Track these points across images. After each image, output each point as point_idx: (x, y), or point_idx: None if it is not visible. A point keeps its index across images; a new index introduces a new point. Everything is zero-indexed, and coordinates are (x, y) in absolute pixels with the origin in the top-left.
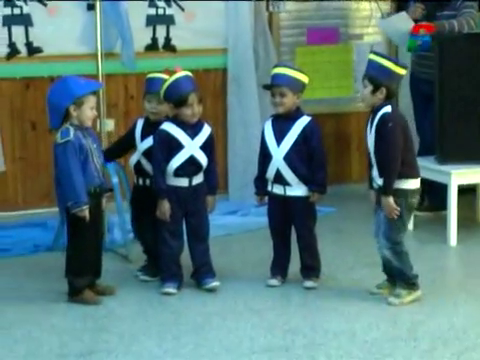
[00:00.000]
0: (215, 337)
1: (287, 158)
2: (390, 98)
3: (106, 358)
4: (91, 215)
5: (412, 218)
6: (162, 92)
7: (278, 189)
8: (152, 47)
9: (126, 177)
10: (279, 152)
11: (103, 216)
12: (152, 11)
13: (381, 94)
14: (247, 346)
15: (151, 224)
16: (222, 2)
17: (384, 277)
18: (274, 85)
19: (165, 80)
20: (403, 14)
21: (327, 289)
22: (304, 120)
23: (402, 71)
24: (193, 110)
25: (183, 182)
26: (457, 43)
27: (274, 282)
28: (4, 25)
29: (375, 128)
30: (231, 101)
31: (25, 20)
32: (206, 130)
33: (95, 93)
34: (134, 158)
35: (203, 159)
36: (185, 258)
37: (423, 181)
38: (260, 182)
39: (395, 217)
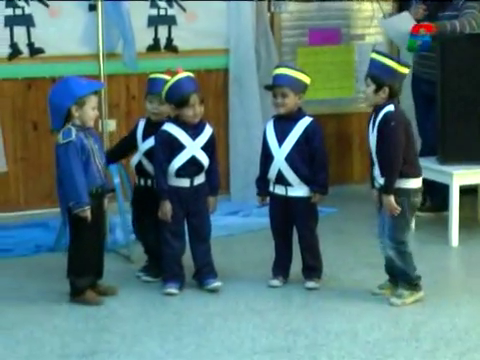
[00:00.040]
0: (217, 338)
1: (289, 159)
2: (393, 97)
3: (108, 359)
4: (93, 215)
5: (413, 219)
6: (164, 93)
7: (280, 190)
8: (154, 48)
9: (128, 177)
10: (281, 153)
11: (105, 216)
12: (154, 12)
13: (384, 93)
14: (249, 347)
15: (152, 224)
16: (224, 2)
17: (386, 277)
18: (276, 86)
19: (167, 81)
20: (405, 14)
21: (329, 290)
22: (306, 121)
23: (405, 70)
24: (195, 111)
25: (184, 182)
26: (459, 43)
27: (276, 283)
28: (6, 26)
29: (377, 127)
30: (233, 101)
31: (27, 21)
32: (208, 131)
33: (96, 93)
34: (135, 158)
35: (204, 160)
36: (187, 259)
37: (425, 182)
38: (262, 182)
39: (395, 215)
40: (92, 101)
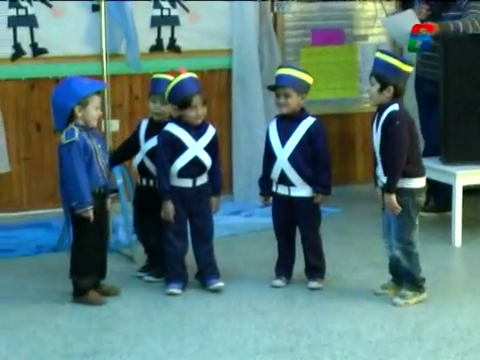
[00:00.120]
0: (219, 338)
1: (292, 159)
2: (397, 96)
3: (110, 359)
4: (96, 216)
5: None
6: (167, 93)
7: (283, 190)
8: (157, 48)
9: (131, 178)
10: (284, 153)
11: (108, 217)
12: (157, 12)
13: (388, 92)
14: (251, 347)
15: (154, 224)
16: (227, 3)
17: (389, 277)
18: (279, 86)
19: (170, 81)
20: (409, 12)
21: (332, 290)
22: (309, 121)
23: (409, 69)
24: (197, 112)
25: (187, 183)
26: (462, 44)
27: (279, 283)
28: (9, 26)
29: (382, 126)
30: (236, 102)
31: (30, 21)
32: (210, 131)
33: (99, 93)
34: (138, 158)
35: (207, 160)
36: (190, 258)
37: (428, 182)
38: (265, 183)
39: (396, 214)
40: (95, 101)
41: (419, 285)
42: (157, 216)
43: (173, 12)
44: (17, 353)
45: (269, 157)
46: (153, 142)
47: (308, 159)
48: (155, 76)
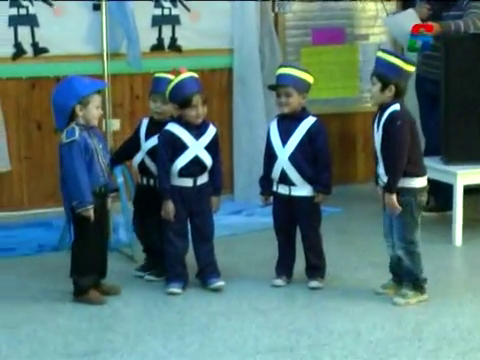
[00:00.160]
0: (220, 337)
1: (292, 158)
2: (399, 96)
3: (111, 358)
4: (96, 215)
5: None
6: (167, 92)
7: (283, 189)
8: (158, 47)
9: (131, 177)
10: (284, 152)
11: (108, 216)
12: (158, 11)
13: (390, 92)
14: (252, 346)
15: (154, 223)
16: (228, 2)
17: (389, 277)
18: (279, 85)
19: (171, 80)
20: (410, 11)
21: (332, 289)
22: (310, 120)
23: (411, 68)
24: (197, 111)
25: (187, 182)
26: (463, 43)
27: (279, 282)
28: (10, 25)
29: (383, 126)
30: (236, 101)
31: (31, 20)
32: (211, 131)
33: (100, 92)
34: (138, 157)
35: (208, 159)
36: (190, 258)
37: (428, 181)
38: (265, 182)
39: (397, 213)
40: (96, 100)
41: (421, 286)
42: (157, 215)
43: (174, 11)
44: (17, 352)
45: (270, 156)
46: (153, 141)
47: (309, 158)
48: (157, 75)
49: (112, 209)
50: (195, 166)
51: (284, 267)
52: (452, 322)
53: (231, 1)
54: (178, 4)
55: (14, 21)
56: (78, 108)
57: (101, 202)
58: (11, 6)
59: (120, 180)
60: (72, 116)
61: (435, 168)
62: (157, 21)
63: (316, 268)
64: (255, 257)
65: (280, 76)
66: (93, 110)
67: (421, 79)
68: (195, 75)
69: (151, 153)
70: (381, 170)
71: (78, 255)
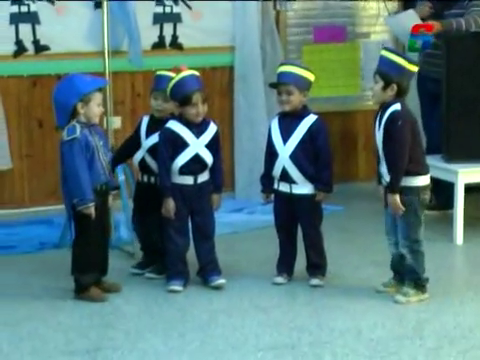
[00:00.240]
0: (221, 334)
1: (293, 156)
2: (400, 95)
3: (112, 355)
4: (97, 213)
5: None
6: (168, 90)
7: (284, 187)
8: (159, 45)
9: (132, 175)
10: (285, 150)
11: (109, 214)
12: (159, 9)
13: (392, 91)
14: (253, 344)
15: (153, 221)
16: (229, 2)
17: (390, 275)
18: (280, 83)
19: (172, 78)
20: (411, 12)
21: (333, 287)
22: (311, 119)
23: (414, 68)
24: (197, 109)
25: (188, 180)
26: (464, 42)
27: (280, 280)
28: (11, 23)
29: (384, 126)
30: (238, 99)
31: (32, 18)
32: (212, 128)
33: (101, 90)
34: (139, 155)
35: (208, 157)
36: (191, 256)
37: (430, 180)
38: (266, 180)
39: (400, 214)
40: (97, 98)
41: (422, 285)
42: (158, 213)
43: (175, 9)
44: (19, 350)
45: (271, 154)
46: (154, 139)
47: (310, 157)
48: (158, 73)
49: (113, 207)
50: (195, 164)
51: (285, 265)
52: (453, 320)
53: (233, 1)
54: (179, 2)
55: (15, 19)
56: (79, 106)
57: (102, 200)
58: (12, 4)
59: (121, 178)
60: (73, 114)
61: (436, 166)
62: (158, 19)
63: (317, 266)
64: (256, 255)
65: (281, 74)
66: (94, 108)
67: (422, 77)
68: (196, 73)
69: (152, 151)
70: (384, 169)
71: (79, 253)
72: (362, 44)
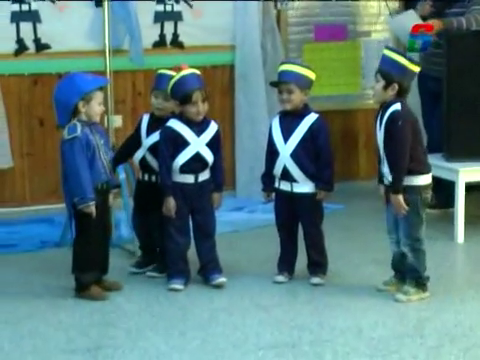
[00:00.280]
0: (222, 333)
1: (294, 155)
2: (401, 95)
3: (113, 353)
4: (98, 211)
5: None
6: (169, 89)
7: (285, 186)
8: (160, 43)
9: (133, 173)
10: (286, 149)
11: (110, 212)
12: (160, 7)
13: (392, 90)
14: (253, 342)
15: (153, 220)
16: (230, 1)
17: (391, 274)
18: (281, 82)
19: (173, 77)
20: (411, 12)
21: (334, 286)
22: (311, 117)
23: (416, 68)
24: (198, 108)
25: (189, 179)
26: (465, 40)
27: (281, 278)
28: (12, 21)
29: (385, 126)
30: (238, 98)
31: (33, 16)
32: (213, 127)
33: (102, 88)
34: (139, 154)
35: (209, 156)
36: (192, 254)
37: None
38: (267, 178)
39: (403, 214)
40: (98, 96)
41: (423, 283)
42: (158, 212)
43: (176, 8)
44: (19, 348)
45: (271, 153)
46: (155, 137)
47: (310, 155)
48: (159, 72)
49: (114, 205)
50: (196, 163)
51: (286, 263)
52: (454, 319)
53: (233, 0)
54: (180, 0)
55: (16, 17)
56: (81, 104)
57: (103, 198)
58: (13, 2)
59: (122, 176)
60: (74, 113)
61: (437, 165)
62: (159, 17)
63: (318, 265)
64: (257, 253)
65: (282, 73)
66: (95, 106)
67: (423, 76)
68: (196, 72)
69: (152, 149)
70: (385, 169)
71: (80, 251)
72: (363, 43)
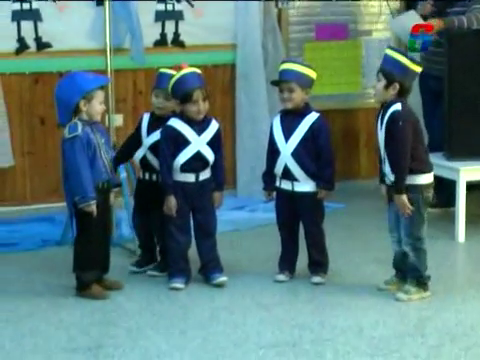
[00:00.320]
0: (222, 332)
1: (295, 154)
2: (402, 95)
3: (113, 352)
4: (99, 210)
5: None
6: (169, 88)
7: (286, 185)
8: (161, 42)
9: (134, 172)
10: (287, 148)
11: (111, 211)
12: (161, 6)
13: (394, 90)
14: (254, 341)
15: (154, 219)
16: (232, 2)
17: (392, 273)
18: (282, 81)
19: (173, 76)
20: (412, 12)
21: (335, 285)
22: (312, 116)
23: (417, 68)
24: (198, 107)
25: (190, 178)
26: (466, 39)
27: (282, 277)
28: (13, 20)
29: (385, 125)
30: (239, 97)
31: (34, 15)
32: (214, 126)
33: (103, 87)
34: (140, 153)
35: (210, 155)
36: (193, 253)
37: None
38: (268, 177)
39: (408, 214)
40: (100, 96)
41: (424, 283)
42: (159, 211)
43: (177, 7)
44: (20, 347)
45: (272, 152)
46: (155, 136)
47: (311, 154)
48: (161, 71)
49: (114, 204)
50: (197, 161)
51: (287, 262)
52: (455, 318)
53: (235, 1)
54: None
55: (17, 16)
56: (82, 103)
57: (103, 197)
58: (14, 1)
59: (123, 175)
60: (75, 111)
61: (438, 164)
62: (160, 16)
63: (319, 264)
64: (258, 252)
65: (283, 71)
66: (97, 106)
67: (424, 75)
68: (197, 70)
69: (153, 148)
70: (387, 168)
71: (80, 250)
72: (364, 42)
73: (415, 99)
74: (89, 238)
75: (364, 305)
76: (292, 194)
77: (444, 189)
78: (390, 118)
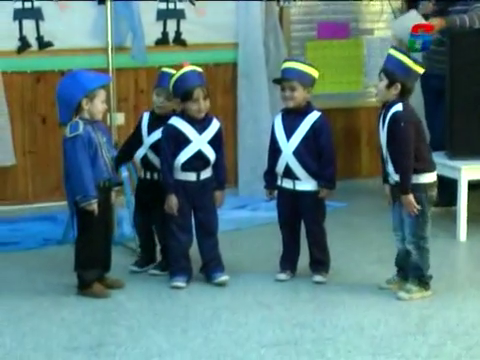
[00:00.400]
0: (224, 331)
1: (296, 153)
2: (404, 95)
3: (115, 351)
4: (100, 209)
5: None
6: (170, 86)
7: (287, 183)
8: (162, 41)
9: (136, 171)
10: (289, 147)
11: (112, 210)
12: (163, 5)
13: (395, 90)
14: (256, 340)
15: (155, 218)
16: (233, 1)
17: (394, 272)
18: (284, 79)
19: (174, 75)
20: (413, 12)
21: (336, 284)
22: (314, 115)
23: (420, 69)
24: (199, 105)
25: (191, 176)
26: (468, 38)
27: (283, 276)
28: (15, 19)
29: (387, 126)
30: (241, 95)
31: (36, 14)
32: (215, 125)
33: (104, 87)
34: (141, 152)
35: (211, 154)
36: (194, 252)
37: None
38: (270, 176)
39: (415, 213)
40: (101, 94)
41: (426, 282)
42: (160, 210)
43: (179, 5)
44: (22, 345)
45: (274, 151)
46: (156, 135)
47: (313, 153)
48: (162, 70)
49: (116, 203)
50: (198, 160)
51: (288, 261)
52: (456, 317)
53: (236, 0)
54: None
55: (19, 15)
56: (84, 102)
57: (105, 196)
58: (16, 0)
59: (124, 174)
60: (77, 110)
61: (440, 163)
62: (162, 15)
63: (320, 262)
64: (259, 251)
65: (285, 70)
66: (98, 104)
67: (426, 74)
68: (198, 69)
69: (154, 147)
70: (390, 168)
71: (82, 249)
72: (365, 41)
73: (417, 99)
74: (90, 237)
75: (365, 304)
76: (293, 193)
77: (446, 188)
78: (392, 119)
